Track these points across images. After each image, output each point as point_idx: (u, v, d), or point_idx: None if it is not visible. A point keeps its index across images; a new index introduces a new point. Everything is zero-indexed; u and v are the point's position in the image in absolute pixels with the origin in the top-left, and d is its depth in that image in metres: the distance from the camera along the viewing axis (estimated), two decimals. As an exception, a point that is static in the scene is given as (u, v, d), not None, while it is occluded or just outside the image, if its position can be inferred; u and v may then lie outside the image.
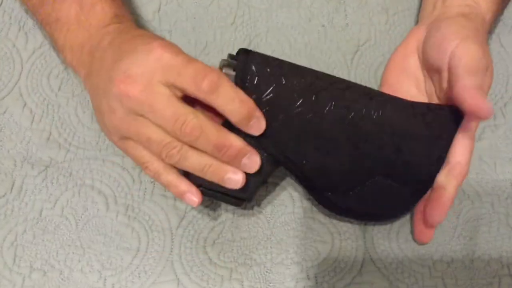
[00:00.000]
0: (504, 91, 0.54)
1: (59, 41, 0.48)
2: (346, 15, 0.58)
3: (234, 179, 0.41)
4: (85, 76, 0.47)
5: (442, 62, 0.43)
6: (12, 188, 0.50)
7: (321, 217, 0.48)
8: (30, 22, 0.57)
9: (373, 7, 0.58)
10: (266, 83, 0.41)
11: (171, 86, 0.38)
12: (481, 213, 0.48)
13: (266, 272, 0.47)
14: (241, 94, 0.39)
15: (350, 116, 0.42)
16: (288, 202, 0.49)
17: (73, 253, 0.48)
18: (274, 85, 0.41)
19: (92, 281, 0.47)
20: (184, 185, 0.42)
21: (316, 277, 0.46)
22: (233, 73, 0.41)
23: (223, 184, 0.42)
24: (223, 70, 0.41)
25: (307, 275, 0.46)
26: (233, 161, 0.40)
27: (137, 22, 0.57)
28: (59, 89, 0.54)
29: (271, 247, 0.48)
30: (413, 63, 0.48)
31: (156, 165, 0.42)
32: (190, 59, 0.39)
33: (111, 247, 0.48)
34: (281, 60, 0.42)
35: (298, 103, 0.41)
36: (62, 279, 0.47)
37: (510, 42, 0.56)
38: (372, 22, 0.57)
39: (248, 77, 0.40)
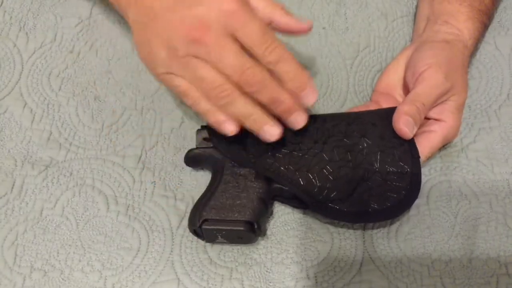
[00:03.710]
0: (498, 94, 0.55)
1: None
2: (346, 18, 0.59)
3: (271, 131, 0.43)
4: (132, 4, 0.45)
5: (412, 83, 0.49)
6: (12, 188, 0.50)
7: (320, 217, 0.49)
8: (30, 22, 0.57)
9: (373, 11, 0.59)
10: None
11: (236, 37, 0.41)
12: (478, 212, 0.49)
13: (266, 271, 0.47)
14: (299, 69, 0.43)
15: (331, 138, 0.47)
16: (288, 202, 0.50)
17: (73, 253, 0.48)
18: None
19: (92, 281, 0.47)
20: (222, 115, 0.43)
21: (315, 276, 0.47)
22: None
23: (259, 135, 0.44)
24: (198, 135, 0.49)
25: (307, 275, 0.47)
26: (284, 114, 0.44)
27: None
28: (60, 89, 0.54)
29: (271, 247, 0.48)
30: (400, 79, 0.52)
31: (196, 94, 0.43)
32: (254, 16, 0.41)
33: (111, 247, 0.48)
34: None
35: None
36: (62, 279, 0.47)
37: (505, 44, 0.57)
38: (371, 28, 0.58)
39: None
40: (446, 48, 0.50)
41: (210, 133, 0.49)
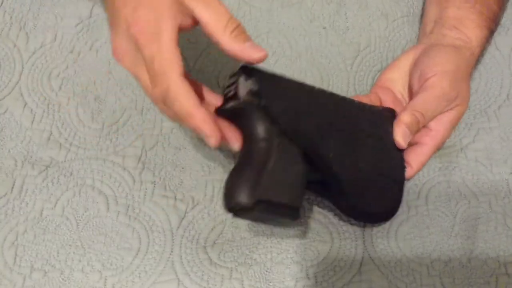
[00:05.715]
0: (498, 94, 0.55)
1: None
2: (346, 18, 0.59)
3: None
4: None
5: (416, 86, 0.49)
6: (12, 188, 0.50)
7: (320, 217, 0.49)
8: (30, 23, 0.57)
9: (373, 11, 0.59)
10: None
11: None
12: (478, 212, 0.49)
13: (266, 271, 0.47)
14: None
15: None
16: (288, 202, 0.50)
17: (73, 253, 0.48)
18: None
19: (92, 281, 0.47)
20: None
21: (315, 276, 0.47)
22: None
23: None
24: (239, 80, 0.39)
25: (307, 274, 0.47)
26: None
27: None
28: (60, 88, 0.55)
29: (271, 247, 0.48)
30: (402, 76, 0.52)
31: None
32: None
33: (111, 247, 0.48)
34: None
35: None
36: (62, 279, 0.47)
37: (505, 44, 0.57)
38: (372, 27, 0.58)
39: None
40: (454, 54, 0.49)
41: (263, 87, 0.39)
